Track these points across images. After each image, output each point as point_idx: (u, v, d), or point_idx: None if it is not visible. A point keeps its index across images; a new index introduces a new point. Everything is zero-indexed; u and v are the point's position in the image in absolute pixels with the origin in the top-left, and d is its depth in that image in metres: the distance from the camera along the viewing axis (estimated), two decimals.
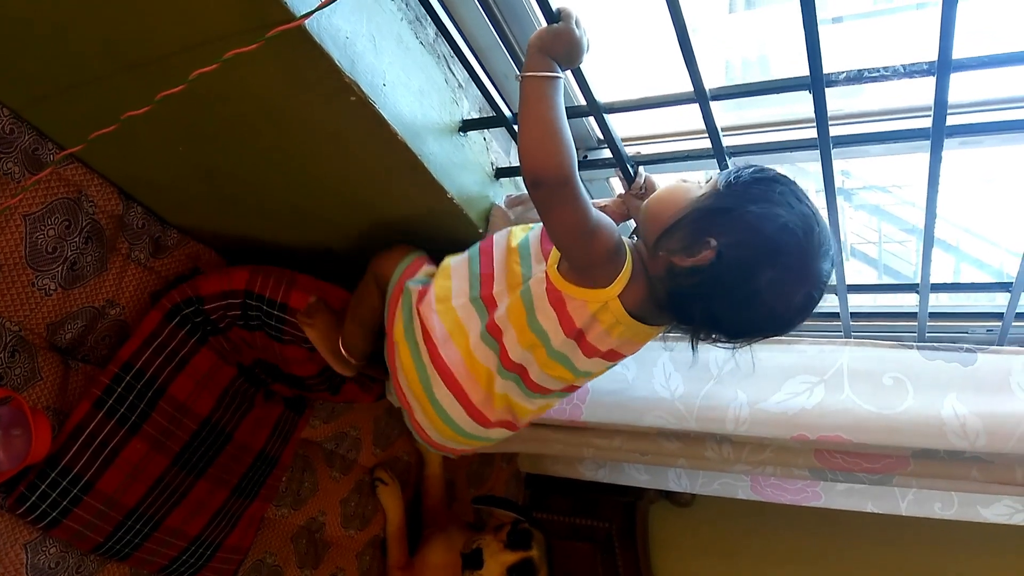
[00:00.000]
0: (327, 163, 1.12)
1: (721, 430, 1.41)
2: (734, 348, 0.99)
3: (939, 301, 1.52)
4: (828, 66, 0.88)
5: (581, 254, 0.97)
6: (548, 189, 0.91)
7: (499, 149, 1.28)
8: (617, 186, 1.25)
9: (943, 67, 0.83)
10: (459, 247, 1.31)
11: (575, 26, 0.89)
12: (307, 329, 1.38)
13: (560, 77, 0.91)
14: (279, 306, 1.37)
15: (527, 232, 1.11)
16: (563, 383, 1.15)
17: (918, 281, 1.21)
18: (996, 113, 1.11)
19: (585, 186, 1.45)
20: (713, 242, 0.89)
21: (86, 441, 1.24)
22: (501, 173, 1.26)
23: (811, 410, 1.33)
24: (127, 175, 1.28)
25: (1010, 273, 1.18)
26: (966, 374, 1.28)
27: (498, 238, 1.13)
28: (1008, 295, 1.22)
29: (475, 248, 1.15)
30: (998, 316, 1.33)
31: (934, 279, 1.23)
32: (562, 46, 0.89)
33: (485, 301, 1.09)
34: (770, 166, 0.95)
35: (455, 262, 1.15)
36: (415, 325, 1.14)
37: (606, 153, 1.14)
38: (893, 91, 1.15)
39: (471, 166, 1.18)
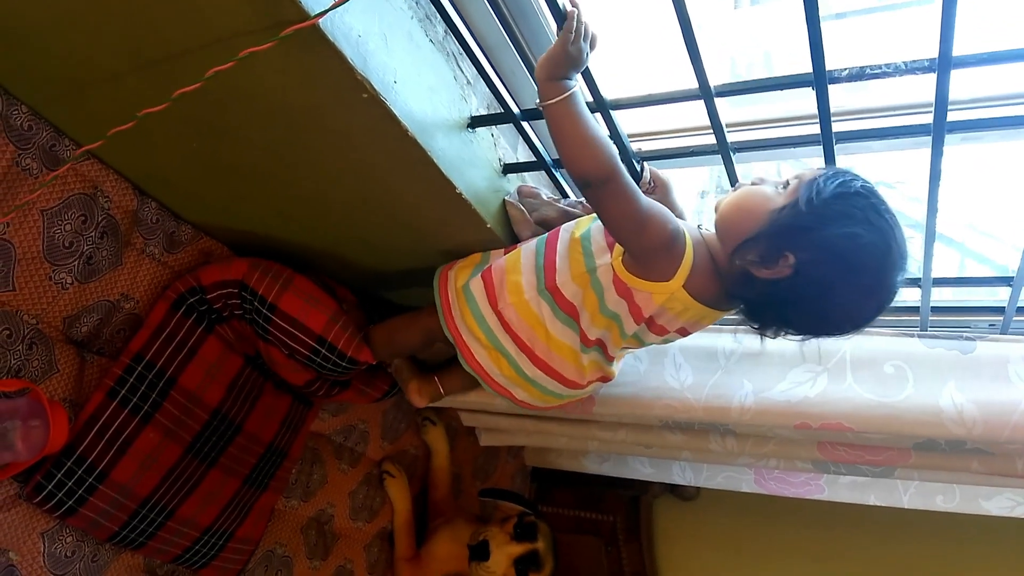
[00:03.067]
0: (338, 159, 1.13)
1: (726, 419, 1.43)
2: (803, 340, 1.05)
3: (942, 296, 1.54)
4: (832, 62, 0.90)
5: (637, 244, 1.04)
6: (595, 187, 0.99)
7: (506, 145, 1.29)
8: None
9: (944, 64, 0.85)
10: (469, 247, 1.34)
11: (569, 39, 0.93)
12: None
13: (571, 92, 0.97)
14: (268, 305, 1.38)
15: (591, 223, 1.17)
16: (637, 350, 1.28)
17: (920, 276, 1.23)
18: (997, 109, 1.12)
19: None
20: (791, 258, 0.94)
21: (100, 431, 1.26)
22: (509, 169, 1.28)
23: (813, 399, 1.35)
24: (142, 171, 1.30)
25: (1014, 268, 1.19)
26: (965, 362, 1.30)
27: (564, 228, 1.20)
28: (1009, 289, 1.24)
29: (542, 239, 1.22)
30: (1000, 311, 1.34)
31: (938, 274, 1.25)
32: (561, 67, 0.96)
33: (551, 291, 1.17)
34: (848, 172, 0.96)
35: (524, 255, 1.22)
36: (492, 321, 1.24)
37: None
38: (897, 87, 1.17)
39: (479, 162, 1.20)
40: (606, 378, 1.32)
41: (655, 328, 1.15)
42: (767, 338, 1.07)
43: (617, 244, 1.09)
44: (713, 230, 1.09)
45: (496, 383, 1.31)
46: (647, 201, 1.02)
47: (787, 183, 1.00)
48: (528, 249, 1.23)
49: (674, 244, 1.03)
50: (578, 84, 0.99)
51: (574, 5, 0.92)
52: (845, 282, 0.94)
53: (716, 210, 1.07)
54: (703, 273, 1.04)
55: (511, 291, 1.21)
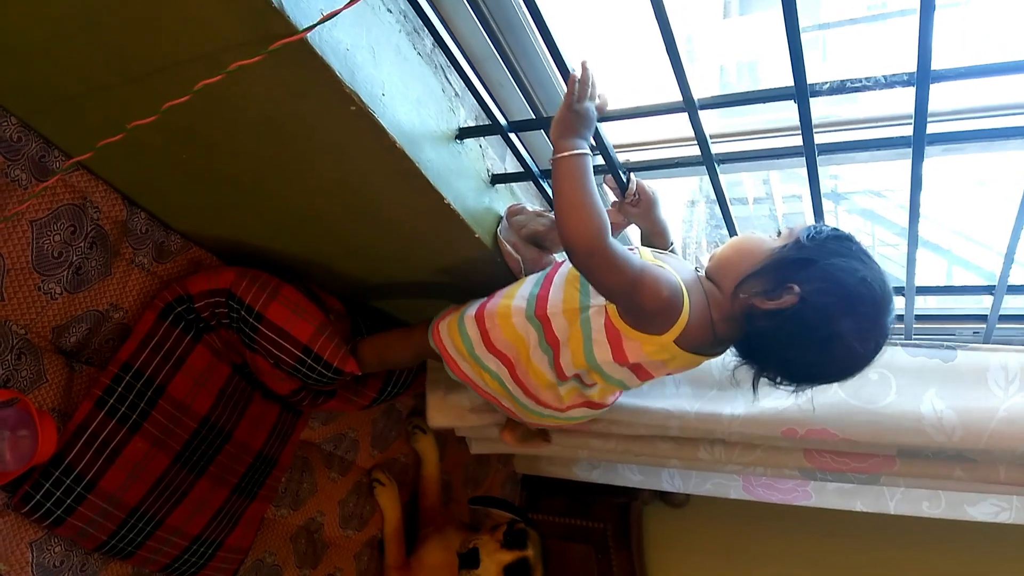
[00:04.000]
0: (327, 171, 1.14)
1: (718, 427, 1.46)
2: (796, 391, 1.07)
3: (927, 304, 1.56)
4: (820, 71, 0.92)
5: (629, 307, 1.06)
6: (582, 257, 1.01)
7: (494, 156, 1.30)
8: (609, 193, 1.28)
9: (922, 78, 0.86)
10: (458, 255, 1.34)
11: (572, 100, 0.98)
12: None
13: (574, 153, 1.00)
14: (255, 315, 1.38)
15: None
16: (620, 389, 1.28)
17: (903, 283, 1.24)
18: (978, 121, 1.14)
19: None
20: (797, 288, 0.98)
21: (88, 440, 1.26)
22: (496, 179, 1.29)
23: (801, 405, 1.36)
24: (131, 182, 1.31)
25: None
26: (946, 370, 1.32)
27: (566, 263, 1.22)
28: (992, 297, 1.25)
29: (543, 273, 1.24)
30: (984, 319, 1.36)
31: (925, 282, 1.27)
32: (568, 127, 1.00)
33: (540, 319, 1.18)
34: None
35: (522, 285, 1.24)
36: (474, 334, 1.26)
37: (599, 160, 1.17)
38: (883, 97, 1.18)
39: (467, 172, 1.20)
40: (593, 405, 1.30)
41: (640, 373, 1.16)
42: (765, 384, 1.09)
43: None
44: (706, 274, 1.13)
45: (484, 391, 1.33)
46: (638, 267, 1.02)
47: (779, 232, 1.06)
48: (528, 281, 1.25)
49: (670, 307, 1.03)
50: (587, 149, 1.02)
51: (584, 68, 0.97)
52: (847, 311, 0.97)
53: (711, 259, 1.12)
54: (698, 326, 1.06)
55: (500, 314, 1.22)
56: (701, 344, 1.08)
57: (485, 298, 1.29)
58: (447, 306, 1.39)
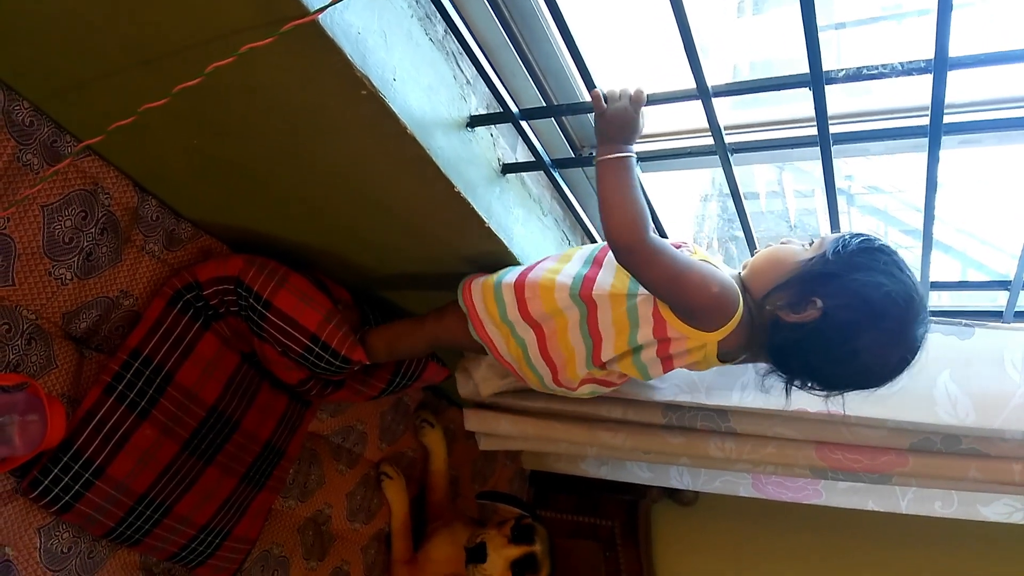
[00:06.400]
0: (337, 157, 1.14)
1: (727, 402, 1.46)
2: (827, 396, 1.08)
3: (941, 301, 1.54)
4: (832, 67, 0.91)
5: (677, 303, 1.08)
6: (623, 253, 1.05)
7: (506, 145, 1.30)
8: None
9: (940, 64, 0.85)
10: (468, 244, 1.34)
11: (601, 110, 1.03)
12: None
13: (617, 156, 1.03)
14: (263, 302, 1.38)
15: None
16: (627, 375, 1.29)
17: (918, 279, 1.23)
18: (996, 112, 1.13)
19: (592, 183, 1.48)
20: (819, 302, 1.00)
21: (97, 426, 1.26)
22: (507, 169, 1.28)
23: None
24: (142, 168, 1.31)
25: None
26: (961, 348, 1.30)
27: None
28: (1007, 293, 1.24)
29: (592, 252, 1.24)
30: (999, 315, 1.34)
31: (940, 279, 1.26)
32: (608, 132, 1.04)
33: (584, 300, 1.18)
34: (870, 233, 1.04)
35: (572, 260, 1.24)
36: (509, 298, 1.25)
37: None
38: (898, 91, 1.17)
39: (478, 161, 1.20)
40: (602, 383, 1.32)
41: (667, 365, 1.19)
42: (794, 390, 1.11)
43: None
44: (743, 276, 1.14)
45: (501, 356, 1.32)
46: (683, 263, 1.04)
47: (811, 241, 1.08)
48: (577, 257, 1.25)
49: (720, 303, 1.05)
50: (625, 151, 1.04)
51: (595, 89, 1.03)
52: (869, 327, 0.99)
53: (745, 266, 1.13)
54: (739, 330, 1.08)
55: (543, 286, 1.21)
56: (734, 348, 1.12)
57: (523, 266, 1.29)
58: (457, 298, 1.38)
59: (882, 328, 0.99)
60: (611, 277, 1.17)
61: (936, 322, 1.35)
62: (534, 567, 1.85)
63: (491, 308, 1.28)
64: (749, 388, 1.44)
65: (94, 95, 1.10)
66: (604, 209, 1.04)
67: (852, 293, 0.98)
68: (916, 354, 1.02)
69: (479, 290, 1.31)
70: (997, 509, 1.54)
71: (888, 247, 1.01)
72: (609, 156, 1.03)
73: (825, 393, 1.08)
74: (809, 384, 1.08)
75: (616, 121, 1.03)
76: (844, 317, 0.99)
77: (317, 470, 1.78)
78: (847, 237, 1.02)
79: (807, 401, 1.36)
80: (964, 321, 1.33)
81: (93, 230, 1.26)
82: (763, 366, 1.14)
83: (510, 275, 1.27)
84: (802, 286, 1.02)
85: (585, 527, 2.34)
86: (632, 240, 1.02)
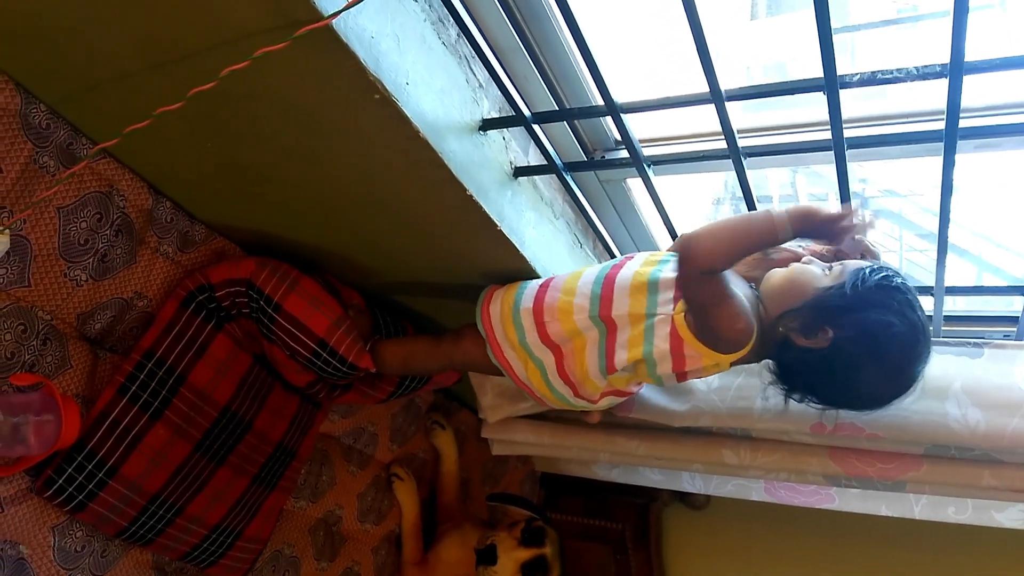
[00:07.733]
0: (349, 160, 1.14)
1: (748, 420, 1.48)
2: (823, 410, 1.14)
3: (956, 306, 1.53)
4: (845, 71, 0.90)
5: (705, 323, 1.11)
6: (701, 270, 1.07)
7: (518, 148, 1.30)
8: (635, 186, 1.27)
9: (955, 69, 0.84)
10: (479, 249, 1.34)
11: (839, 228, 1.05)
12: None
13: (772, 217, 1.05)
14: (274, 305, 1.39)
15: (656, 267, 1.21)
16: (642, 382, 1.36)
17: (932, 284, 1.22)
18: (1013, 116, 1.12)
19: (604, 187, 1.48)
20: (830, 333, 1.04)
21: (111, 426, 1.27)
22: (520, 172, 1.28)
23: None
24: (157, 170, 1.32)
25: None
26: (972, 365, 1.30)
27: (628, 267, 1.24)
28: (1023, 298, 1.23)
29: (605, 267, 1.26)
30: (1014, 320, 1.33)
31: (955, 283, 1.25)
32: (813, 230, 1.06)
33: (604, 320, 1.21)
34: (891, 268, 1.06)
35: (583, 280, 1.26)
36: (528, 323, 1.28)
37: (623, 153, 1.16)
38: (913, 96, 1.16)
39: (490, 164, 1.20)
40: (620, 393, 1.35)
41: (681, 378, 1.22)
42: (792, 401, 1.16)
43: (682, 300, 1.14)
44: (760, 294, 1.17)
45: (520, 380, 1.33)
46: (730, 293, 1.08)
47: (831, 267, 1.10)
48: (587, 277, 1.26)
49: (740, 338, 1.10)
50: (783, 226, 1.05)
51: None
52: (872, 363, 1.03)
53: (766, 281, 1.15)
54: (751, 351, 1.13)
55: (561, 309, 1.24)
56: (746, 360, 1.16)
57: (535, 284, 1.31)
58: (469, 303, 1.39)
59: (883, 366, 1.04)
60: (627, 299, 1.19)
61: (949, 344, 1.36)
62: (544, 570, 1.85)
63: (510, 333, 1.30)
64: (769, 402, 1.44)
65: (109, 98, 1.11)
66: (718, 233, 1.07)
67: (863, 330, 1.02)
68: (911, 389, 1.07)
69: (498, 317, 1.33)
70: (1012, 515, 1.53)
71: (905, 285, 1.03)
72: (769, 211, 1.05)
73: (822, 408, 1.13)
74: (808, 399, 1.13)
75: (822, 231, 1.06)
76: (851, 350, 1.03)
77: (328, 471, 1.79)
78: (867, 272, 1.04)
79: (824, 415, 1.37)
80: (973, 341, 1.33)
81: (108, 232, 1.27)
82: (768, 375, 1.17)
83: (526, 298, 1.29)
84: (816, 314, 1.05)
85: (596, 530, 2.34)
86: (717, 265, 1.06)
